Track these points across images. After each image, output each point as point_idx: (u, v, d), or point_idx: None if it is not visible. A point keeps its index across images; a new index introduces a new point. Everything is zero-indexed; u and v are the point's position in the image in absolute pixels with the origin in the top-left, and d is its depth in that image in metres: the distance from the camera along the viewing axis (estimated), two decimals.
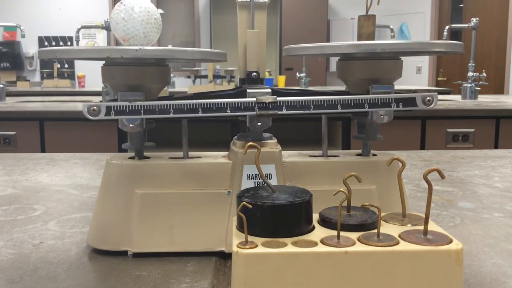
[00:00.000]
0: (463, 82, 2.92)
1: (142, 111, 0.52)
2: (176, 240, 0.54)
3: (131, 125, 0.54)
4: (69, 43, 6.52)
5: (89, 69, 5.92)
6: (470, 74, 2.86)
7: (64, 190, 0.87)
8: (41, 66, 6.63)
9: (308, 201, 0.43)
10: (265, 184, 0.46)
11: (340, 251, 0.39)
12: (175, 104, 0.52)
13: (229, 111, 0.53)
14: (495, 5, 5.78)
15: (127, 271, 0.51)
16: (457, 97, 3.16)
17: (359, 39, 0.59)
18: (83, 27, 3.04)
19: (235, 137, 0.59)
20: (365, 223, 0.42)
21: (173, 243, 0.54)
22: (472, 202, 0.78)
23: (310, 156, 0.59)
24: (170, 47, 0.51)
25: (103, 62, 0.56)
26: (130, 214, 0.54)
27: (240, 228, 0.42)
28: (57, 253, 0.56)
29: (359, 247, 0.39)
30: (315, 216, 0.45)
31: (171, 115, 0.52)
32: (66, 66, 6.54)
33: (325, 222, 0.44)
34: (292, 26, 6.45)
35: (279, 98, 0.53)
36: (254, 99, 0.53)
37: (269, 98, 0.53)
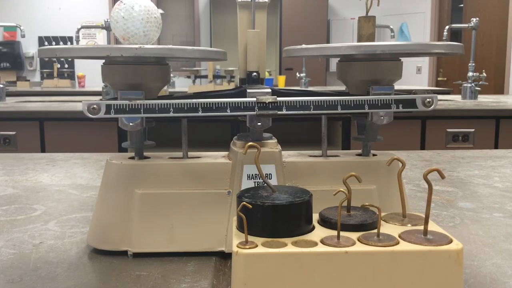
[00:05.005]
0: (463, 82, 2.92)
1: (142, 110, 0.52)
2: (176, 240, 0.54)
3: (130, 124, 0.53)
4: (69, 43, 6.52)
5: (89, 69, 5.92)
6: (470, 74, 2.86)
7: (64, 190, 0.87)
8: (41, 66, 6.63)
9: (308, 201, 0.43)
10: (265, 184, 0.46)
11: (340, 251, 0.39)
12: (175, 103, 0.52)
13: (229, 111, 0.53)
14: (495, 5, 5.78)
15: (127, 271, 0.51)
16: (457, 97, 3.16)
17: (359, 40, 0.59)
18: (83, 27, 3.04)
19: (235, 137, 0.59)
20: (365, 223, 0.42)
21: (173, 243, 0.54)
22: (472, 202, 0.78)
23: (310, 156, 0.59)
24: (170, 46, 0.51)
25: (103, 61, 0.56)
26: (130, 214, 0.54)
27: (240, 228, 0.42)
28: (57, 253, 0.56)
29: (359, 247, 0.39)
30: (315, 216, 0.45)
31: (171, 114, 0.52)
32: (66, 66, 6.53)
33: (325, 222, 0.44)
34: (292, 26, 6.44)
35: (279, 98, 0.53)
36: (254, 99, 0.53)
37: (269, 98, 0.53)
